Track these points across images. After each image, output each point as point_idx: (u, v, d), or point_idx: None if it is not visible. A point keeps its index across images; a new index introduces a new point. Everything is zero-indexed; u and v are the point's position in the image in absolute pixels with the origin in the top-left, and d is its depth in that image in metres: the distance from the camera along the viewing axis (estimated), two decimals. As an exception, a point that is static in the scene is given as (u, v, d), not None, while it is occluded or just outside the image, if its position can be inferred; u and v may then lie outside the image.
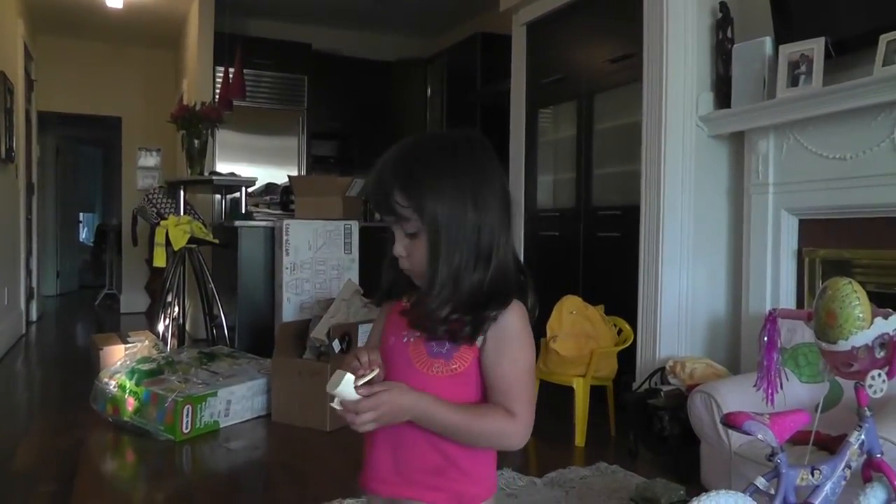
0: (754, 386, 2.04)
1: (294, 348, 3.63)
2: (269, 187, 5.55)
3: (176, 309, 4.81)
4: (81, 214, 11.04)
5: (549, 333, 3.15)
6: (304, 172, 6.55)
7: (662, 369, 3.07)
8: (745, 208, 3.11)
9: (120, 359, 3.70)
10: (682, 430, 2.68)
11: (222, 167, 5.88)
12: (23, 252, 6.15)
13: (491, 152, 1.15)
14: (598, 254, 3.88)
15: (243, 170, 5.71)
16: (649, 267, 3.30)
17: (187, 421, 3.20)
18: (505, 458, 2.87)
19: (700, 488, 2.44)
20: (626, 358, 3.31)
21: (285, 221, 4.36)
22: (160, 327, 4.64)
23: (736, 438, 2.37)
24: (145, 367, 3.48)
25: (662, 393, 2.89)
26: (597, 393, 3.22)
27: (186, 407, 3.19)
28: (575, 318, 3.13)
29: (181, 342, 4.87)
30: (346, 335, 3.41)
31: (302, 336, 3.67)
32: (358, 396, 1.04)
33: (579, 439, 3.10)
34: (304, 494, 2.59)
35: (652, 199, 3.29)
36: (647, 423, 2.85)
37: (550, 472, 2.71)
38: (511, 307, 1.11)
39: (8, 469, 2.84)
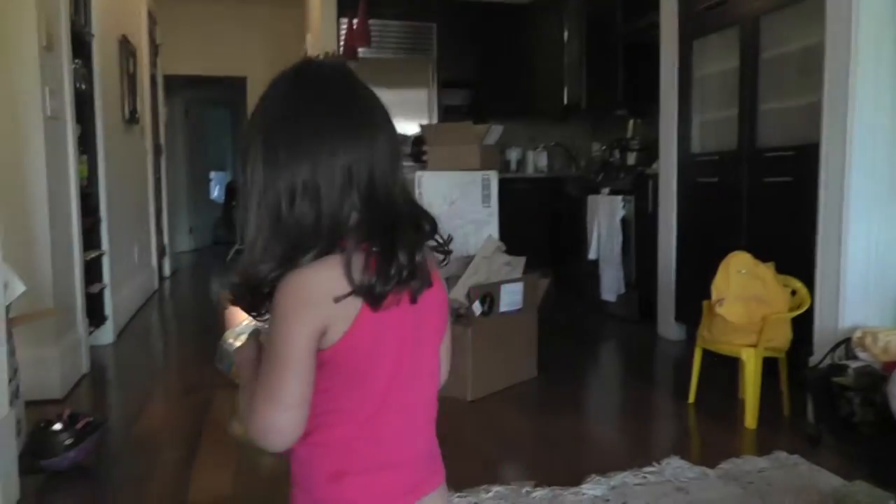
0: None
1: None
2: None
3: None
4: (212, 173, 11.32)
5: (714, 296, 2.73)
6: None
7: (848, 341, 2.61)
8: (958, 143, 2.56)
9: (246, 319, 3.57)
10: (878, 417, 2.26)
11: (351, 124, 5.72)
12: (152, 210, 6.28)
13: (326, 80, 0.92)
14: (764, 203, 3.39)
15: (372, 125, 5.53)
16: (831, 217, 2.79)
17: (313, 386, 3.02)
18: (670, 445, 2.53)
19: (911, 492, 2.00)
20: (799, 326, 2.84)
21: (417, 173, 4.09)
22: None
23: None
24: (270, 327, 3.32)
25: (851, 370, 2.44)
26: (766, 366, 2.78)
27: (311, 371, 3.01)
28: (744, 278, 2.69)
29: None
30: (488, 296, 3.12)
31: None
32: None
33: (750, 420, 2.70)
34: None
35: (836, 134, 2.76)
36: (832, 405, 2.42)
37: (722, 461, 2.33)
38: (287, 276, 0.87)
39: (134, 432, 2.76)
